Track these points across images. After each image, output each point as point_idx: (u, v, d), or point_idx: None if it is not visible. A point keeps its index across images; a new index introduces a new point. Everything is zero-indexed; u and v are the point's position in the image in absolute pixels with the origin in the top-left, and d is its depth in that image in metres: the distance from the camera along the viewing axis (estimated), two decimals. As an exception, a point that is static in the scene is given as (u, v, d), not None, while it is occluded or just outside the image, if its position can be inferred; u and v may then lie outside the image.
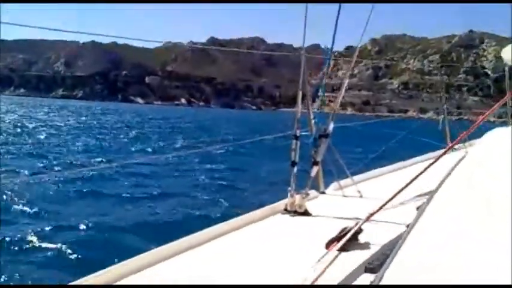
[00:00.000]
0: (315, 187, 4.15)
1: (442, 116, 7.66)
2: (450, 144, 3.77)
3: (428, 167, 1.94)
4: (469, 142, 4.14)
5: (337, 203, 3.89)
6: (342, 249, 2.43)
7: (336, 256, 2.37)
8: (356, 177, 4.55)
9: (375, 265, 2.10)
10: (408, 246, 1.22)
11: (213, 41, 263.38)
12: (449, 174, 1.68)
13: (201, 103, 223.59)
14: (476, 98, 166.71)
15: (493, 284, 0.94)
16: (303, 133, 3.84)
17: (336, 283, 2.09)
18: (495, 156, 1.74)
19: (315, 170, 3.70)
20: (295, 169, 3.64)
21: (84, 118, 64.48)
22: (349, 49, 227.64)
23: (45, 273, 7.03)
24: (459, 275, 0.99)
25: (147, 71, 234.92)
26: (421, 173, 1.97)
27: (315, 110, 4.17)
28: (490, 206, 1.26)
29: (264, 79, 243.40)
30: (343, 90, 4.48)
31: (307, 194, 3.62)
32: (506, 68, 8.00)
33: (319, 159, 3.69)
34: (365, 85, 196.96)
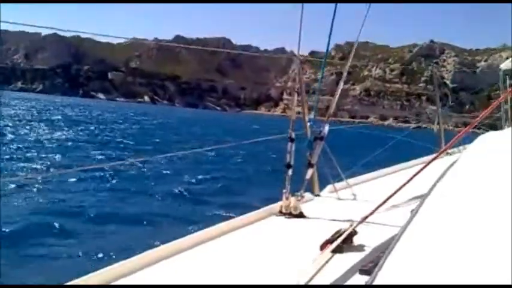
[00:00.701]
0: (310, 189, 4.18)
1: (437, 119, 7.69)
2: (444, 147, 3.91)
3: (421, 170, 1.96)
4: (463, 146, 4.35)
5: (331, 206, 3.90)
6: (336, 251, 2.46)
7: (330, 258, 2.40)
8: (351, 180, 4.58)
9: (368, 267, 2.12)
10: (401, 248, 1.24)
11: (179, 39, 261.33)
12: (441, 177, 1.69)
13: (165, 101, 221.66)
14: (434, 107, 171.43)
15: (493, 284, 0.95)
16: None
17: (330, 284, 2.10)
18: (486, 160, 1.78)
19: (310, 172, 3.72)
20: (290, 171, 3.68)
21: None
22: (313, 54, 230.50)
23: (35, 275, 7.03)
24: (452, 276, 1.01)
25: (111, 66, 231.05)
26: (414, 176, 1.99)
27: (312, 116, 4.24)
28: (483, 208, 1.29)
29: (229, 80, 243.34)
30: (338, 93, 4.51)
31: (302, 196, 3.65)
32: (500, 73, 8.30)
33: (314, 161, 3.72)
34: (328, 90, 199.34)
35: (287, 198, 3.55)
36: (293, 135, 3.78)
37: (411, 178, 2.01)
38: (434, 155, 2.18)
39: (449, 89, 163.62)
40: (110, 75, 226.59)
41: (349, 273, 2.20)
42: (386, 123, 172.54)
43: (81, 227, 9.88)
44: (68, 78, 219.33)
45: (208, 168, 19.40)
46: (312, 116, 4.12)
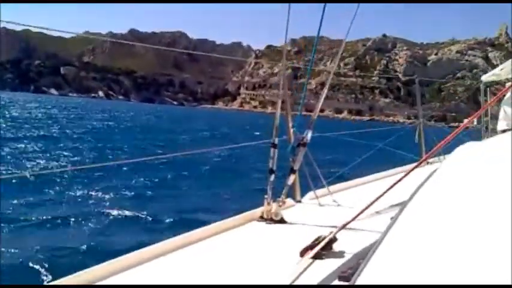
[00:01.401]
0: (292, 196, 4.21)
1: (418, 129, 7.56)
2: (424, 157, 4.09)
3: (401, 178, 2.00)
4: (443, 156, 4.30)
5: (313, 212, 3.93)
6: (316, 257, 2.46)
7: (310, 264, 2.41)
8: (332, 187, 4.61)
9: (348, 273, 2.13)
10: (380, 255, 1.27)
11: (133, 33, 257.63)
12: (421, 185, 1.72)
13: (120, 96, 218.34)
14: (387, 100, 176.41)
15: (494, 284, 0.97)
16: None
17: None
18: (466, 169, 1.83)
19: (291, 178, 3.71)
20: (272, 177, 3.68)
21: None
22: (270, 48, 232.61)
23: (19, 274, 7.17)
24: (430, 281, 1.04)
25: (63, 61, 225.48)
26: (394, 184, 2.02)
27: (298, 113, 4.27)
28: (461, 216, 1.34)
29: (186, 74, 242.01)
30: (324, 95, 4.46)
31: (284, 202, 3.65)
32: (481, 85, 8.48)
33: (296, 167, 3.69)
34: (285, 84, 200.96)
35: (268, 204, 3.54)
36: (276, 141, 3.79)
37: (391, 186, 2.03)
38: (414, 164, 2.22)
39: (401, 82, 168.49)
40: (62, 70, 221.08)
41: (329, 279, 2.22)
42: (341, 116, 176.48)
43: (66, 227, 10.05)
44: (18, 73, 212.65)
45: (187, 171, 19.60)
46: (294, 126, 4.04)
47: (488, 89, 8.76)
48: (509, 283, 0.96)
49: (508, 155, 1.69)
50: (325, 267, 2.37)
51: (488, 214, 1.28)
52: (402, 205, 1.59)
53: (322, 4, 3.87)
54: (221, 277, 2.41)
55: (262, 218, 3.52)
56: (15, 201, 11.38)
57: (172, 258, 2.71)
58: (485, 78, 8.64)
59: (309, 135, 3.71)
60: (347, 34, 4.36)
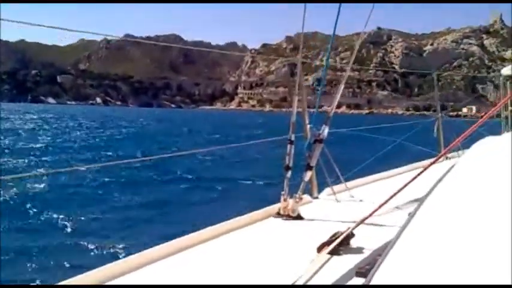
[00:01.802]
0: (309, 192, 4.18)
1: (436, 123, 7.44)
2: (442, 152, 4.06)
3: (419, 174, 2.00)
4: (462, 151, 4.22)
5: (330, 208, 3.89)
6: (334, 253, 2.46)
7: (328, 260, 2.39)
8: (349, 183, 4.59)
9: (365, 269, 2.12)
10: (398, 250, 1.26)
11: (128, 38, 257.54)
12: (439, 181, 1.71)
13: (118, 102, 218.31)
14: (385, 92, 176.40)
15: (493, 284, 0.97)
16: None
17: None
18: (484, 164, 1.82)
19: (308, 174, 3.68)
20: (289, 173, 3.66)
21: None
22: (265, 46, 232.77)
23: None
24: (448, 278, 1.03)
25: (59, 69, 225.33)
26: (412, 180, 2.02)
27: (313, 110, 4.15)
28: (480, 212, 1.33)
29: (183, 77, 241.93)
30: (339, 93, 4.32)
31: (301, 199, 3.61)
32: (501, 79, 8.33)
33: (313, 164, 3.67)
34: (281, 82, 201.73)
35: (285, 200, 3.54)
36: (293, 138, 3.78)
37: (409, 182, 2.03)
38: (432, 159, 2.20)
39: (398, 74, 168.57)
40: (59, 79, 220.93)
41: (346, 275, 2.21)
42: (340, 111, 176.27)
43: (80, 227, 10.13)
44: (15, 84, 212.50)
45: (205, 169, 19.73)
46: (313, 110, 4.00)
47: (507, 82, 8.51)
48: None
49: None
50: (343, 263, 2.36)
51: (507, 210, 1.26)
52: (420, 201, 1.60)
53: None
54: (238, 274, 2.40)
55: (279, 215, 3.52)
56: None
57: (189, 255, 2.71)
58: (504, 71, 8.47)
59: (325, 131, 3.68)
60: (363, 32, 4.42)
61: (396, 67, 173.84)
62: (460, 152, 4.73)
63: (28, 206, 11.55)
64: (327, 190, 4.33)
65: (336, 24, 3.88)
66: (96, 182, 15.75)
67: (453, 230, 1.26)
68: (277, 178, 4.26)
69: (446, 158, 5.52)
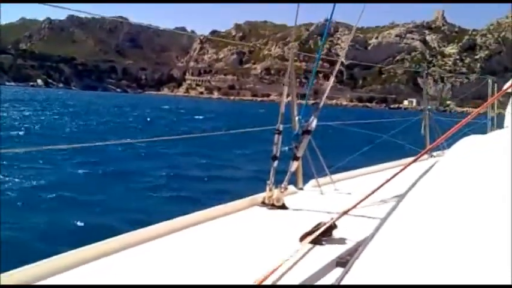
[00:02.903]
0: (294, 183, 4.22)
1: (423, 121, 7.55)
2: (425, 149, 4.17)
3: (402, 169, 2.03)
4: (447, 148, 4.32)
5: (314, 199, 3.94)
6: (316, 242, 2.49)
7: (309, 249, 2.44)
8: (334, 176, 4.63)
9: (346, 259, 2.14)
10: (377, 242, 1.28)
11: (72, 19, 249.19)
12: (421, 177, 1.78)
13: (61, 84, 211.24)
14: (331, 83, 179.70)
15: (493, 284, 0.97)
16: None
17: (306, 276, 2.14)
18: (466, 162, 1.84)
19: (294, 165, 3.71)
20: (275, 163, 3.68)
21: None
22: (215, 33, 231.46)
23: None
24: (423, 270, 1.05)
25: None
26: (395, 175, 2.04)
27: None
28: (461, 207, 1.34)
29: (129, 61, 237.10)
30: (331, 83, 4.37)
31: (286, 189, 3.62)
32: (490, 81, 8.51)
33: (299, 154, 3.68)
34: (230, 70, 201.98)
35: (270, 190, 3.58)
36: (281, 128, 3.80)
37: (392, 177, 2.06)
38: (415, 157, 2.27)
39: (344, 66, 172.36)
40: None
41: (326, 265, 2.23)
42: (286, 100, 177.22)
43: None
44: None
45: (191, 155, 19.70)
46: (300, 113, 4.01)
47: (495, 83, 8.69)
48: (509, 279, 0.95)
49: (508, 149, 1.70)
50: (324, 253, 2.39)
51: (485, 207, 1.28)
52: (402, 195, 1.62)
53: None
54: (219, 261, 2.40)
55: (263, 204, 3.56)
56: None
57: (170, 240, 2.69)
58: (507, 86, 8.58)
59: (314, 122, 3.69)
60: (354, 29, 4.46)
61: (342, 59, 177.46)
62: (445, 150, 4.75)
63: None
64: (312, 182, 4.39)
65: (329, 23, 4.13)
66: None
67: (432, 224, 1.27)
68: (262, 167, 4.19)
69: (432, 155, 5.78)
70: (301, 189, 4.32)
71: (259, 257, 2.45)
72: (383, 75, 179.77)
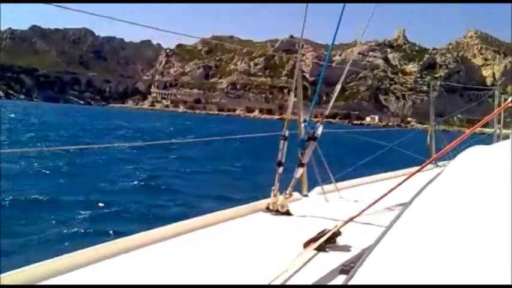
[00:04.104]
0: (299, 189, 4.21)
1: (429, 132, 7.61)
2: (431, 158, 4.27)
3: (407, 178, 2.04)
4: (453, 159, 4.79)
5: (319, 206, 3.92)
6: (320, 249, 2.49)
7: (313, 256, 2.43)
8: (340, 184, 4.60)
9: (349, 267, 2.14)
10: (380, 250, 1.28)
11: (35, 29, 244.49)
12: (426, 186, 1.78)
13: (22, 96, 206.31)
14: (295, 99, 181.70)
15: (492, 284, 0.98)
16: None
17: (310, 283, 2.14)
18: (470, 172, 1.87)
19: (299, 171, 3.68)
20: (280, 169, 3.68)
21: None
22: (180, 46, 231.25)
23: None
24: (428, 277, 1.05)
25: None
26: (400, 184, 2.05)
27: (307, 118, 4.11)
28: (465, 216, 1.36)
29: (93, 73, 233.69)
30: (336, 93, 4.34)
31: (290, 195, 3.60)
32: (497, 92, 8.83)
33: (305, 161, 3.65)
34: (196, 84, 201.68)
35: (275, 196, 3.57)
36: (287, 134, 3.80)
37: (397, 185, 2.06)
38: (420, 166, 2.31)
39: (308, 82, 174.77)
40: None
41: (330, 272, 2.22)
42: (252, 115, 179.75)
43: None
44: None
45: (196, 161, 19.62)
46: (307, 117, 4.00)
47: (501, 95, 8.84)
48: (509, 283, 0.96)
49: (509, 160, 1.73)
50: (328, 260, 2.38)
51: (490, 217, 1.29)
52: (406, 204, 1.62)
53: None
54: (222, 266, 2.39)
55: (268, 209, 3.55)
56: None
57: (173, 244, 2.70)
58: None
59: (319, 129, 3.68)
60: (362, 34, 4.24)
61: (307, 75, 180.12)
62: (451, 160, 5.35)
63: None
64: (317, 189, 4.36)
65: (338, 25, 3.89)
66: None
67: (436, 233, 1.28)
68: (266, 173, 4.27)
69: (437, 165, 5.88)
70: (306, 195, 4.31)
71: (262, 263, 2.44)
72: (346, 92, 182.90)
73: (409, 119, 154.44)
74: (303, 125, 4.00)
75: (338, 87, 4.26)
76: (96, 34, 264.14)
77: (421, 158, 6.47)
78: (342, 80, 4.27)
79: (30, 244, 8.26)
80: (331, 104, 4.12)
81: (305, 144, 3.62)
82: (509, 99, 5.06)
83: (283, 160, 3.73)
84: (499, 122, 8.69)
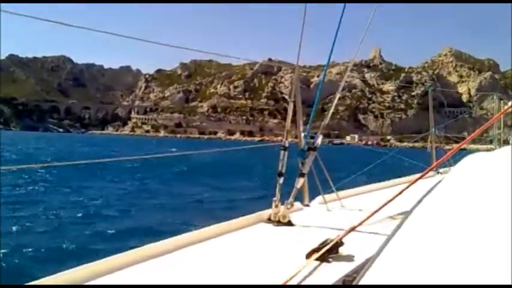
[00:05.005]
0: (300, 199, 4.19)
1: (429, 138, 7.66)
2: (431, 166, 4.26)
3: (408, 186, 2.04)
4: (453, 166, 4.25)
5: (320, 216, 3.89)
6: (322, 260, 2.47)
7: (316, 267, 2.41)
8: (341, 193, 4.60)
9: (352, 277, 2.13)
10: (383, 260, 1.28)
11: (12, 58, 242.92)
12: (427, 194, 1.79)
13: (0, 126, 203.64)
14: (276, 121, 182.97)
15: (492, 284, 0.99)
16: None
17: None
18: (471, 179, 1.87)
19: (300, 181, 3.65)
20: (281, 179, 3.66)
21: None
22: (160, 72, 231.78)
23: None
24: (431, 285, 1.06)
25: None
26: (401, 192, 2.06)
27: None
28: (466, 224, 1.35)
29: (72, 100, 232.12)
30: (331, 110, 4.38)
31: (292, 205, 3.59)
32: (495, 97, 9.03)
33: (305, 171, 3.64)
34: (176, 108, 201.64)
35: (276, 206, 3.55)
36: (286, 144, 3.78)
37: (399, 193, 2.07)
38: (422, 173, 2.29)
39: (288, 103, 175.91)
40: None
41: (333, 283, 2.23)
42: (233, 137, 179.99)
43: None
44: None
45: (193, 171, 19.73)
46: (306, 130, 4.01)
47: (502, 101, 9.07)
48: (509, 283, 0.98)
49: (509, 166, 1.74)
50: (331, 270, 2.37)
51: (490, 223, 1.29)
52: (408, 212, 1.61)
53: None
54: (225, 277, 2.39)
55: (269, 220, 3.55)
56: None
57: (177, 256, 2.71)
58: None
59: (319, 139, 3.71)
60: (360, 42, 4.12)
61: (286, 97, 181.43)
62: (452, 167, 5.34)
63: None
64: (318, 198, 4.36)
65: (338, 28, 3.87)
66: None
67: (438, 241, 1.28)
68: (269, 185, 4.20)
69: (439, 172, 5.89)
70: (308, 205, 4.32)
71: (265, 274, 2.42)
72: (325, 112, 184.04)
73: (388, 137, 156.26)
74: (302, 134, 4.00)
75: (336, 97, 4.44)
76: (75, 61, 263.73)
77: (422, 165, 6.46)
78: (339, 90, 4.45)
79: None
80: (329, 115, 4.20)
81: (305, 155, 3.64)
82: (510, 104, 5.14)
83: (284, 170, 3.72)
84: (499, 128, 8.87)
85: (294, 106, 4.28)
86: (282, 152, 3.74)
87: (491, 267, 1.08)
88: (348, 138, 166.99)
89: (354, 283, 1.26)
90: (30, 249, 9.14)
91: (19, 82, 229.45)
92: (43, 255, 8.82)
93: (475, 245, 1.20)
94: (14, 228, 11.06)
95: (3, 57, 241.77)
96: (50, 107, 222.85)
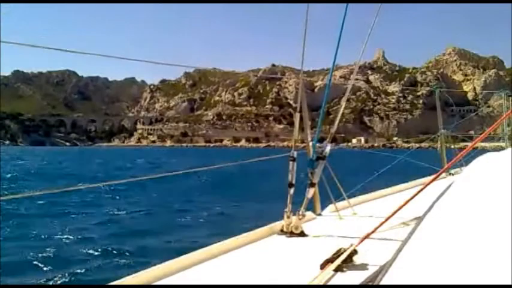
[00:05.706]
0: (312, 209, 4.18)
1: (439, 140, 7.63)
2: (443, 168, 4.20)
3: (420, 190, 2.00)
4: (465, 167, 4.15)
5: (333, 225, 3.89)
6: (337, 269, 2.45)
7: (331, 277, 2.39)
8: (353, 200, 4.59)
9: (369, 286, 2.14)
10: (397, 266, 1.27)
11: (17, 74, 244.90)
12: (440, 197, 1.77)
13: (7, 141, 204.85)
14: (281, 126, 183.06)
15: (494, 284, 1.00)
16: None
17: None
18: (484, 180, 1.86)
19: (311, 191, 3.62)
20: (291, 190, 3.65)
21: None
22: (164, 82, 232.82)
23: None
24: None
25: None
26: (414, 196, 2.02)
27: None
28: (479, 227, 1.33)
29: (78, 113, 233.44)
30: (339, 116, 4.37)
31: (304, 215, 3.57)
32: (503, 95, 8.82)
33: (315, 180, 3.61)
34: (182, 117, 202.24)
35: (288, 217, 3.54)
36: (295, 155, 3.78)
37: (411, 198, 2.04)
38: (434, 176, 2.25)
39: (293, 108, 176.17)
40: None
41: None
42: (239, 144, 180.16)
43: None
44: None
45: (205, 188, 20.21)
46: (314, 140, 3.91)
47: (510, 98, 9.04)
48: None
49: None
50: (346, 280, 2.35)
51: (505, 226, 1.28)
52: (421, 217, 1.60)
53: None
54: None
55: (282, 232, 3.54)
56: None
57: (192, 272, 2.70)
58: None
59: (327, 148, 3.66)
60: (365, 42, 3.91)
61: (291, 102, 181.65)
62: (463, 168, 4.69)
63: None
64: (330, 207, 4.34)
65: (342, 27, 3.82)
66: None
67: (452, 246, 1.27)
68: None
69: (450, 173, 5.84)
70: (320, 214, 4.29)
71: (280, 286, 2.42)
72: (331, 116, 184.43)
73: (395, 138, 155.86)
74: (311, 143, 3.97)
75: (343, 105, 4.32)
76: (80, 74, 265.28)
77: (434, 168, 6.37)
78: (346, 95, 4.28)
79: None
80: (337, 122, 4.14)
81: (314, 164, 3.59)
82: None
83: (294, 181, 3.69)
84: (508, 125, 8.88)
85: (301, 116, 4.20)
86: (290, 163, 3.72)
87: (508, 270, 1.07)
88: (354, 141, 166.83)
89: None
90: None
91: (25, 97, 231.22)
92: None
93: (492, 249, 1.20)
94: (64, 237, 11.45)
95: (8, 73, 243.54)
96: (56, 121, 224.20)
